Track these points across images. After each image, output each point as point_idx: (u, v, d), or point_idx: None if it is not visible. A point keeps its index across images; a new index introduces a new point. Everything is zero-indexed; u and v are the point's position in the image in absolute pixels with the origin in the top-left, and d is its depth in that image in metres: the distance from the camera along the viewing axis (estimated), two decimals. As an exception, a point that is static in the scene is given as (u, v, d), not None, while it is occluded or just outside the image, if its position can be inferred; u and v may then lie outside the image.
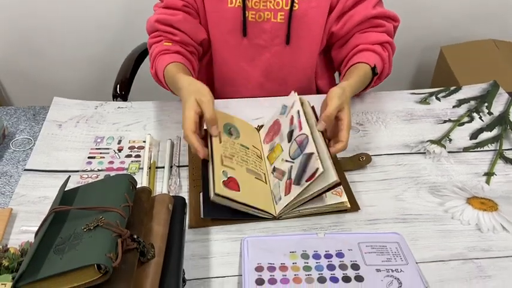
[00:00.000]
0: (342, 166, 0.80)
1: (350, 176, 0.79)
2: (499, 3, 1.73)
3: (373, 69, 0.91)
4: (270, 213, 0.71)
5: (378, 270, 0.63)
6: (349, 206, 0.72)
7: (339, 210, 0.72)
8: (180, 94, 0.79)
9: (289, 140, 0.77)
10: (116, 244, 0.50)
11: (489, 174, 0.80)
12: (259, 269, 0.64)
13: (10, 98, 1.84)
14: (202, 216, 0.71)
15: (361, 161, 0.81)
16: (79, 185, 0.67)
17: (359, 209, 0.73)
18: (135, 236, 0.54)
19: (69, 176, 0.63)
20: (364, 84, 0.92)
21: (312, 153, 0.70)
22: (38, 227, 0.54)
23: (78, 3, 1.58)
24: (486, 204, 0.74)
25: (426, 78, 1.93)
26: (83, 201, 0.58)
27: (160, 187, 0.78)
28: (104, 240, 0.49)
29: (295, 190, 0.70)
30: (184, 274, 0.62)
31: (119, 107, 0.96)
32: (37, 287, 0.47)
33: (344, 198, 0.72)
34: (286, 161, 0.75)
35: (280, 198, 0.72)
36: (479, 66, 1.67)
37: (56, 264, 0.48)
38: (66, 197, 0.59)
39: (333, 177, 0.66)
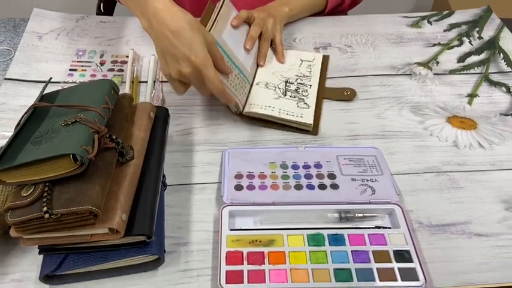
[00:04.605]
0: (322, 94, 0.78)
1: (334, 94, 0.79)
2: None
3: None
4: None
5: (353, 180, 0.65)
6: (311, 124, 0.72)
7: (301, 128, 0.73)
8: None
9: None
10: (92, 139, 0.50)
11: (472, 96, 0.80)
12: (238, 176, 0.65)
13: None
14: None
15: (345, 95, 0.79)
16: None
17: (317, 134, 0.73)
18: (114, 137, 0.55)
19: (51, 78, 0.62)
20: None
21: None
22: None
23: None
24: (465, 123, 0.75)
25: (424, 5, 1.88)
26: (63, 102, 0.58)
27: (143, 101, 0.77)
28: (81, 134, 0.50)
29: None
30: (165, 179, 0.64)
31: (101, 21, 0.93)
32: (12, 175, 0.48)
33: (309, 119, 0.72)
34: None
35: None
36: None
37: (32, 153, 0.48)
38: (46, 97, 0.58)
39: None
